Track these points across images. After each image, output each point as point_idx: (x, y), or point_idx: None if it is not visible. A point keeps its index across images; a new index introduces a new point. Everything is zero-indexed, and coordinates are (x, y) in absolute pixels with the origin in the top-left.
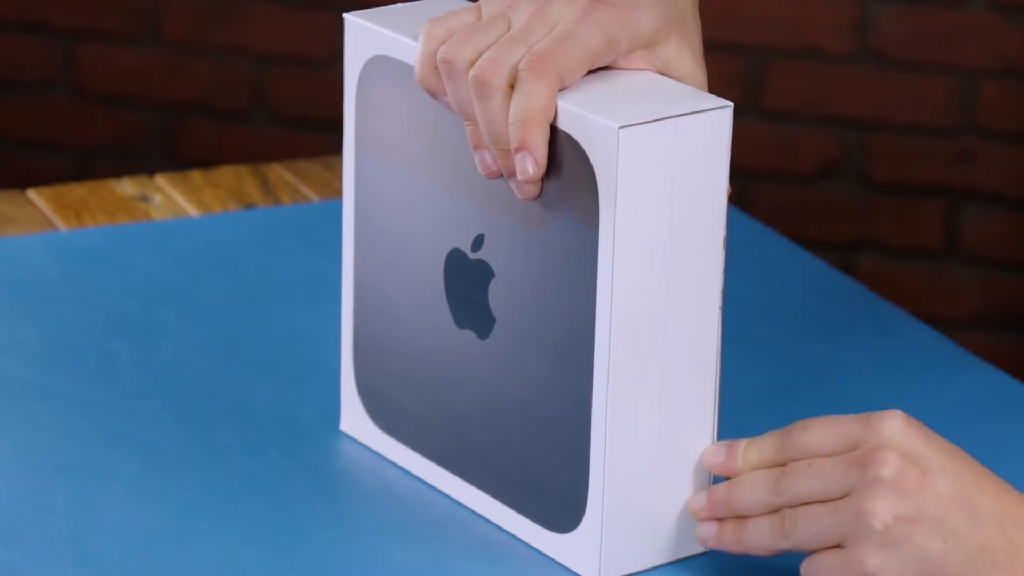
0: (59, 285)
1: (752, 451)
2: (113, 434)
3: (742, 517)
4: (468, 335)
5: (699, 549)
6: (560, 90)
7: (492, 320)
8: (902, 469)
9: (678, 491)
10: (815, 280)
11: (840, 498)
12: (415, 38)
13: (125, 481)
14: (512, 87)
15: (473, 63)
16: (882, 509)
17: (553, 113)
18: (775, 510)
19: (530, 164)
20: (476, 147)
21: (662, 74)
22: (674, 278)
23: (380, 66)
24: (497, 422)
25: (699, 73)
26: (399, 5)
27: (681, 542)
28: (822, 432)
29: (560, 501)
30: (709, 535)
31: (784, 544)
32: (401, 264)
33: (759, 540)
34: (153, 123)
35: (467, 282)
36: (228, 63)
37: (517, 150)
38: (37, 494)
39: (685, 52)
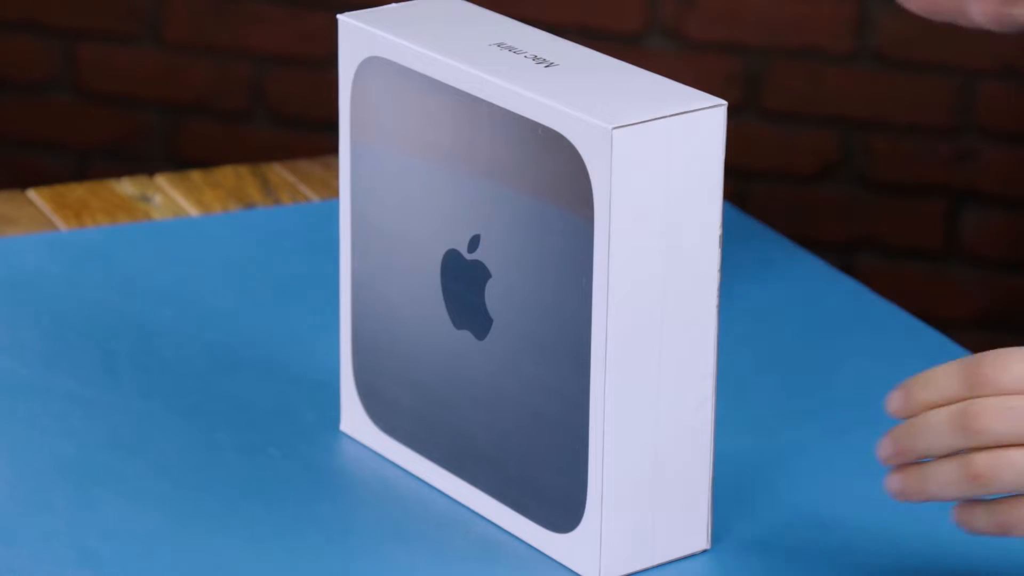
0: (59, 285)
1: (930, 390)
2: (113, 434)
3: (923, 463)
4: (466, 335)
5: (699, 548)
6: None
7: (489, 321)
8: None
9: (678, 490)
10: (815, 280)
11: None
12: (409, 39)
13: (125, 481)
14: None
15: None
16: None
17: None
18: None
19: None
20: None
21: None
22: (670, 277)
23: (375, 67)
24: (496, 422)
25: None
26: (393, 6)
27: (681, 542)
28: (1021, 370)
29: (559, 501)
30: (896, 489)
31: (976, 492)
32: (398, 265)
33: (946, 491)
34: (153, 123)
35: (464, 283)
36: (228, 63)
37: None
38: (37, 494)
39: None
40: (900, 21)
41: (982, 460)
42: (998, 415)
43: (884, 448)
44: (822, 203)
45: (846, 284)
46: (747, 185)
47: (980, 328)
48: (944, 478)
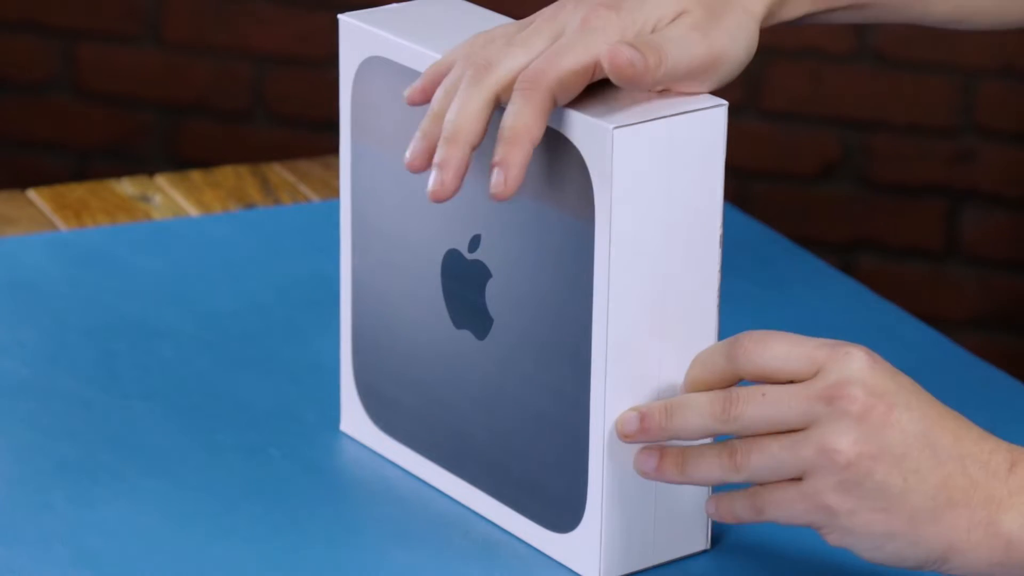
0: (59, 285)
1: (697, 367)
2: (113, 434)
3: (681, 447)
4: (466, 335)
5: (699, 548)
6: (555, 107)
7: (490, 320)
8: (868, 405)
9: (678, 490)
10: (815, 280)
11: (797, 430)
12: (410, 39)
13: (125, 481)
14: (497, 94)
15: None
16: (846, 445)
17: (540, 135)
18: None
19: (503, 180)
20: (421, 134)
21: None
22: (671, 277)
23: (376, 67)
24: (496, 422)
25: (692, 40)
26: (394, 6)
27: (681, 542)
28: (784, 351)
29: (560, 501)
30: (649, 468)
31: (735, 478)
32: (399, 265)
33: (707, 474)
34: (153, 123)
35: (464, 283)
36: (228, 63)
37: (494, 164)
38: (37, 494)
39: (680, 23)
40: None
41: (740, 445)
42: (752, 400)
43: (630, 422)
44: (822, 203)
45: (846, 284)
46: (747, 185)
47: (980, 328)
48: (706, 462)
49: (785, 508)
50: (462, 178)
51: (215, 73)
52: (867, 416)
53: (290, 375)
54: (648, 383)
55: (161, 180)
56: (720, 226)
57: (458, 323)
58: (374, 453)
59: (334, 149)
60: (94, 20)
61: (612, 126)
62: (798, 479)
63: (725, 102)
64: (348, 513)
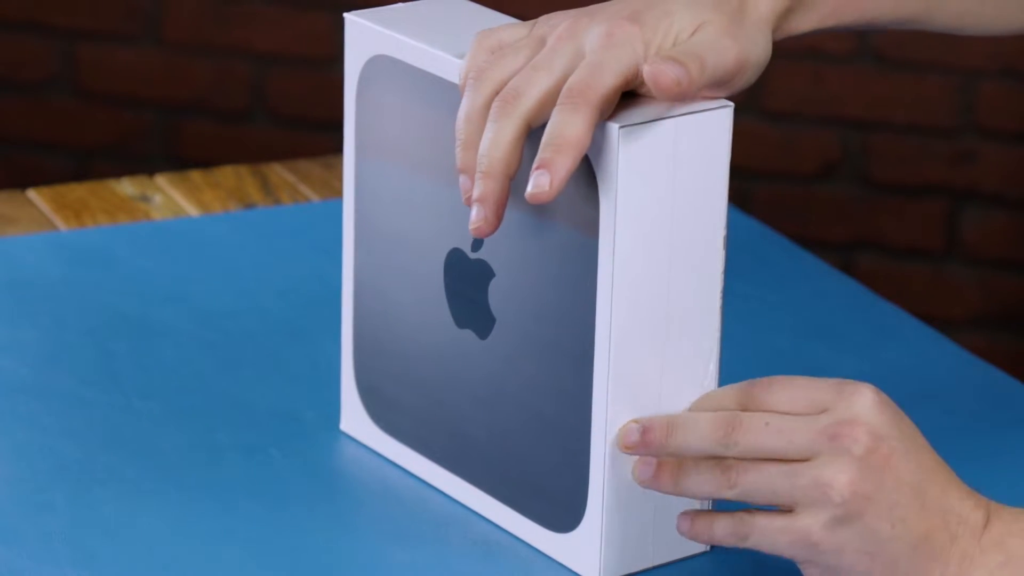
0: (59, 285)
1: (708, 401)
2: (113, 434)
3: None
4: (468, 335)
5: (699, 549)
6: (600, 121)
7: (492, 320)
8: (871, 447)
9: None
10: (815, 280)
11: (797, 460)
12: (416, 38)
13: (125, 481)
14: (528, 122)
15: (502, 83)
16: (844, 483)
17: (587, 147)
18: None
19: (547, 182)
20: (462, 170)
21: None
22: (674, 277)
23: (381, 65)
24: (497, 421)
25: (725, 46)
26: (399, 5)
27: (681, 542)
28: (790, 395)
29: (560, 501)
30: (647, 476)
31: (727, 494)
32: (401, 264)
33: (700, 488)
34: (153, 123)
35: (467, 282)
36: (228, 63)
37: (539, 166)
38: (37, 494)
39: (707, 30)
40: None
41: (737, 463)
42: (754, 428)
43: (631, 434)
44: (822, 203)
45: (846, 284)
46: (747, 185)
47: (980, 328)
48: (701, 475)
49: (770, 537)
50: (503, 210)
51: (215, 73)
52: (868, 458)
53: (290, 375)
54: (650, 383)
55: (161, 180)
56: (724, 227)
57: (460, 322)
58: (374, 453)
59: (334, 149)
60: (94, 20)
61: (618, 125)
62: (787, 510)
63: (731, 103)
64: (348, 513)
